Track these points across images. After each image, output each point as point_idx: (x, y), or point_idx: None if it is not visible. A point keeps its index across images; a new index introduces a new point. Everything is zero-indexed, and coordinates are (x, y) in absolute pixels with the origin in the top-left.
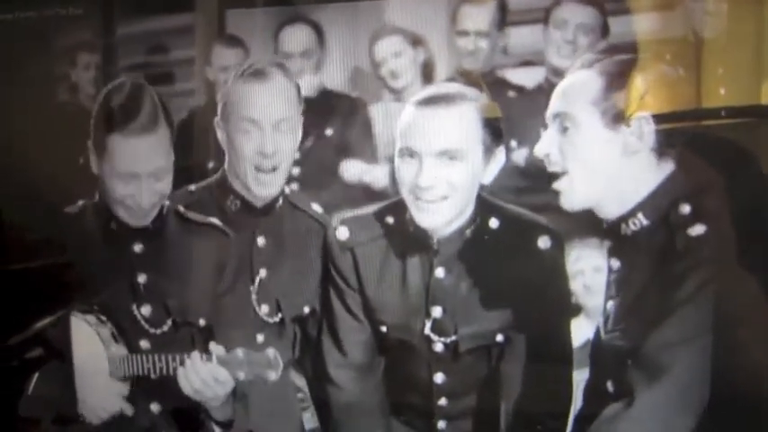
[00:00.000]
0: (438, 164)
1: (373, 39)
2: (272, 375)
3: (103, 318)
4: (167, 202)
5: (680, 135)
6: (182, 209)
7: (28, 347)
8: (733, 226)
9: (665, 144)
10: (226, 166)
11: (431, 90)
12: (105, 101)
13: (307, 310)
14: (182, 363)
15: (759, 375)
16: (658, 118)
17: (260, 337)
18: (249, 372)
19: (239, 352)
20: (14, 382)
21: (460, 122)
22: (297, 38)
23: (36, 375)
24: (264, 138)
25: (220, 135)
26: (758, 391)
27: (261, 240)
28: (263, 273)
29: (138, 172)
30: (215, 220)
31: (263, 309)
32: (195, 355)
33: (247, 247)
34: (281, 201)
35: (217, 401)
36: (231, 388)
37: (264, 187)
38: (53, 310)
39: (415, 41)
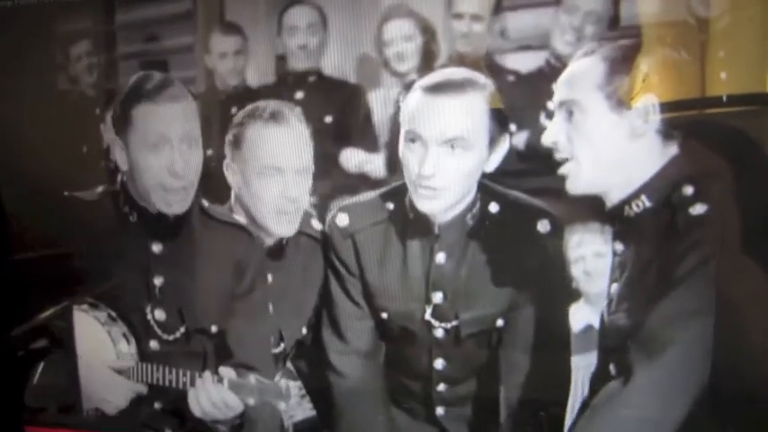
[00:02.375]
0: (442, 153)
1: (385, 18)
2: (282, 405)
3: (114, 315)
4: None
5: (685, 120)
6: (206, 203)
7: (33, 338)
8: (739, 214)
9: (670, 127)
10: (232, 203)
11: (441, 75)
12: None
13: (304, 330)
14: (192, 378)
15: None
16: (661, 107)
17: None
18: (259, 399)
19: (252, 379)
20: (20, 371)
21: (469, 112)
22: (301, 14)
23: (41, 365)
24: (288, 183)
25: (230, 176)
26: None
27: (270, 277)
28: (270, 308)
29: (169, 136)
30: (240, 219)
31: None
32: (207, 376)
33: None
34: (286, 239)
35: (225, 424)
36: (240, 411)
37: (284, 227)
38: (59, 302)
39: (425, 29)
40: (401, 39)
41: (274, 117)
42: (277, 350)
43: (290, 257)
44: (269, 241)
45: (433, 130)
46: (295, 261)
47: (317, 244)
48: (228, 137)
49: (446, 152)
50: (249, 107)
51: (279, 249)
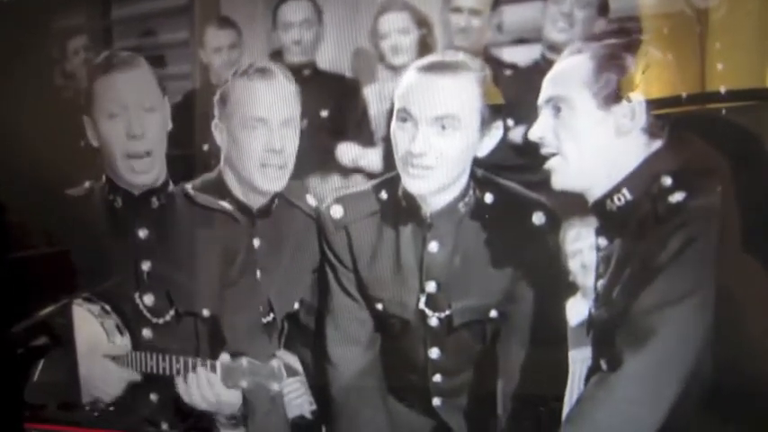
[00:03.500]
0: (432, 131)
1: (381, 11)
2: (275, 386)
3: (108, 308)
4: (172, 186)
5: (671, 117)
6: (191, 191)
7: (33, 335)
8: (739, 211)
9: (655, 125)
10: (222, 165)
11: (435, 57)
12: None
13: (297, 305)
14: (185, 365)
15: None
16: (654, 103)
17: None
18: (252, 381)
19: (243, 361)
20: (20, 368)
21: (459, 91)
22: (296, 9)
23: (41, 362)
24: (272, 135)
25: (219, 136)
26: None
27: (257, 242)
28: (257, 274)
29: (126, 102)
30: (226, 205)
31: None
32: (200, 371)
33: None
34: (276, 200)
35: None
36: (235, 407)
37: (271, 182)
38: (57, 298)
39: (421, 22)
40: (397, 32)
41: (261, 72)
42: (267, 319)
43: (279, 225)
44: (259, 201)
45: (424, 108)
46: (286, 232)
47: (312, 222)
48: (216, 96)
49: (436, 131)
50: (238, 65)
51: (267, 210)
